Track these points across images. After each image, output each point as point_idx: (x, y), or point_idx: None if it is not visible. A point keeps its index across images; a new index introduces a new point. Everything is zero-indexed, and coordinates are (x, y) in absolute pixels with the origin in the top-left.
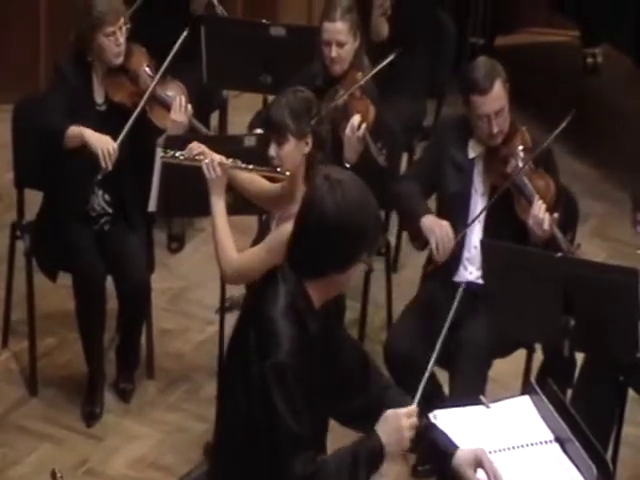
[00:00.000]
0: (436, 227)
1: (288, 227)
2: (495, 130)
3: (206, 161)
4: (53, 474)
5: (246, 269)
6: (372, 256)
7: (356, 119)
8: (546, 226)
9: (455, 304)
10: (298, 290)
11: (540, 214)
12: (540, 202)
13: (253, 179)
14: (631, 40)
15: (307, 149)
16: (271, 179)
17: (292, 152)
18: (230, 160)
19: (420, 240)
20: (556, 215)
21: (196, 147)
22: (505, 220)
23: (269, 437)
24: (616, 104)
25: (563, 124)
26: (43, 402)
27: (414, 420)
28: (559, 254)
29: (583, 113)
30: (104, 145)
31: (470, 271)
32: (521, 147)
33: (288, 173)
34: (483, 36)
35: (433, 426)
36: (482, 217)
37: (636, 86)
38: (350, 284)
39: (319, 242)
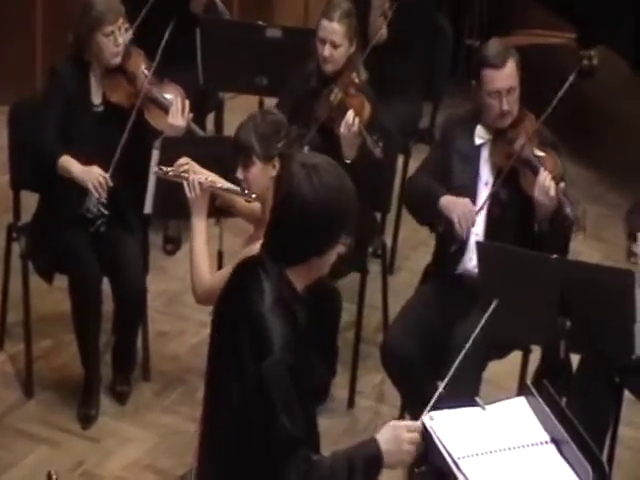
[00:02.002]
0: (457, 204)
1: (253, 250)
2: (505, 107)
3: (189, 179)
4: (49, 476)
5: (216, 289)
6: (350, 237)
7: (350, 115)
8: (552, 192)
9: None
10: (282, 282)
11: (546, 182)
12: (546, 172)
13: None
14: (629, 43)
15: (274, 172)
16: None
17: (258, 175)
18: (209, 179)
19: (440, 222)
20: (562, 184)
21: (183, 162)
22: (508, 207)
23: (264, 437)
24: (612, 106)
25: (566, 84)
26: (39, 405)
27: (416, 436)
28: (554, 256)
29: (578, 115)
30: (94, 178)
31: (470, 257)
32: (528, 127)
33: (254, 196)
34: (480, 38)
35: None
36: (485, 205)
37: (632, 88)
38: (329, 266)
39: (299, 229)
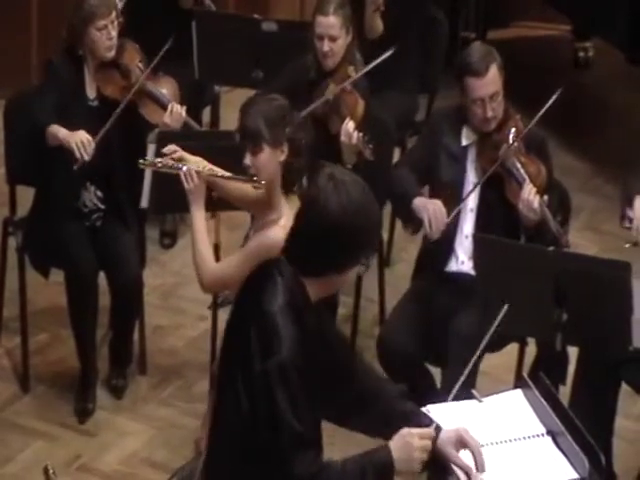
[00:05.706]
0: (429, 204)
1: (264, 237)
2: (489, 114)
3: (184, 169)
4: (46, 470)
5: (224, 278)
6: (370, 258)
7: (351, 126)
8: (535, 206)
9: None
10: (296, 286)
11: (530, 196)
12: (530, 185)
13: (234, 183)
14: (623, 35)
15: (283, 157)
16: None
17: (267, 161)
18: (207, 168)
19: (413, 223)
20: (546, 197)
21: (172, 150)
22: (497, 208)
23: (271, 436)
24: (607, 98)
25: (550, 101)
26: (35, 399)
27: (428, 443)
28: (551, 248)
29: (575, 107)
30: (77, 138)
31: (462, 261)
32: (513, 133)
33: (264, 182)
34: (475, 31)
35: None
36: (474, 206)
37: (627, 80)
38: (346, 284)
39: (323, 243)
